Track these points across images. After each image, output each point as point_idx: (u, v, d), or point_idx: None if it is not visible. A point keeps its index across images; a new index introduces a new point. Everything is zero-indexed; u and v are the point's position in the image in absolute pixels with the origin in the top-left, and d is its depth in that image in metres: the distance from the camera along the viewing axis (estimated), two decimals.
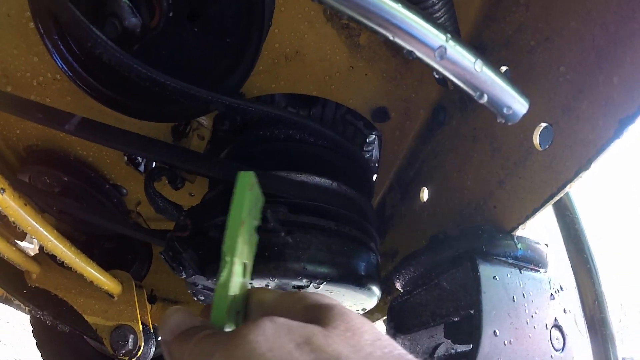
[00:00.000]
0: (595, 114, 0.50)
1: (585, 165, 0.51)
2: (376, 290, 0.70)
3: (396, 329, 0.74)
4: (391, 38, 0.41)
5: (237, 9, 0.65)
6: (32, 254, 0.99)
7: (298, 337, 0.28)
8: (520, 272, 0.59)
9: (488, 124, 0.69)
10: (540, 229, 0.66)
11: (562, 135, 0.54)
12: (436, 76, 0.67)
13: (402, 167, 0.96)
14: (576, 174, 0.52)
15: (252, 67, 0.69)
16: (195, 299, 0.79)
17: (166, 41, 0.68)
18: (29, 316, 1.24)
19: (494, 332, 0.53)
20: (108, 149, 0.89)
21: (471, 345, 0.54)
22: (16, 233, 0.97)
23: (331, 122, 0.84)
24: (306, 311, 0.33)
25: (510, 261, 0.61)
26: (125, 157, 0.94)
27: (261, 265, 0.60)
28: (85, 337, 1.07)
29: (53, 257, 0.88)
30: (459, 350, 0.65)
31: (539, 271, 0.62)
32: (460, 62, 0.44)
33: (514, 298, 0.56)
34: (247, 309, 0.38)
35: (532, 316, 0.56)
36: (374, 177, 0.96)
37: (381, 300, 0.76)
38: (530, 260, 0.62)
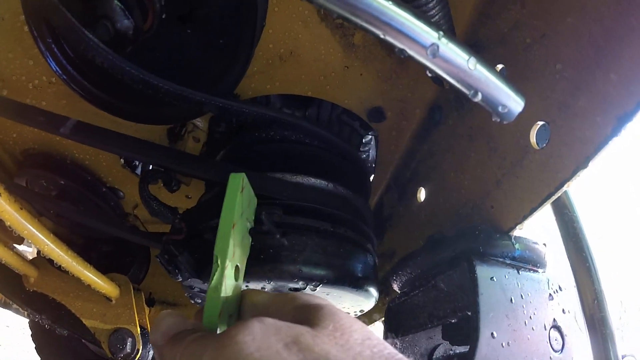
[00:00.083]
0: (592, 111, 0.50)
1: (583, 163, 0.50)
2: (373, 291, 0.69)
3: (394, 331, 0.73)
4: (382, 36, 0.40)
5: (229, 10, 0.65)
6: (31, 258, 0.99)
7: (286, 337, 0.28)
8: (518, 272, 0.59)
9: (484, 123, 0.68)
10: (538, 229, 0.65)
11: (560, 133, 0.54)
12: (429, 75, 0.67)
13: (399, 167, 0.96)
14: (574, 173, 0.52)
15: (246, 68, 0.68)
16: (193, 302, 0.79)
17: (159, 43, 0.68)
18: (27, 320, 1.24)
19: (492, 334, 0.52)
20: (104, 152, 0.89)
21: (469, 347, 0.54)
22: (14, 237, 0.97)
23: (327, 123, 0.83)
24: (296, 311, 0.33)
25: (508, 262, 0.60)
26: (122, 160, 0.94)
27: (257, 267, 0.60)
28: (83, 340, 1.07)
29: (51, 261, 0.87)
30: (458, 352, 0.64)
31: (537, 271, 0.61)
32: (453, 60, 0.44)
33: (511, 299, 0.56)
34: (240, 311, 0.38)
35: (530, 317, 0.55)
36: (371, 178, 0.96)
37: (379, 301, 0.75)
38: (528, 261, 0.61)
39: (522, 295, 0.56)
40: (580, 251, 0.65)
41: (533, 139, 0.57)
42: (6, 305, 1.16)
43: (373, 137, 0.92)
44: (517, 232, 0.62)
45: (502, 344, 0.53)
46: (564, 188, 0.53)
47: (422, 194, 0.86)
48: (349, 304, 0.71)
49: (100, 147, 0.71)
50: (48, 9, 0.56)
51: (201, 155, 0.91)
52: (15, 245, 1.08)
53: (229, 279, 0.36)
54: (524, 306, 0.56)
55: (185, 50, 0.69)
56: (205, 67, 0.70)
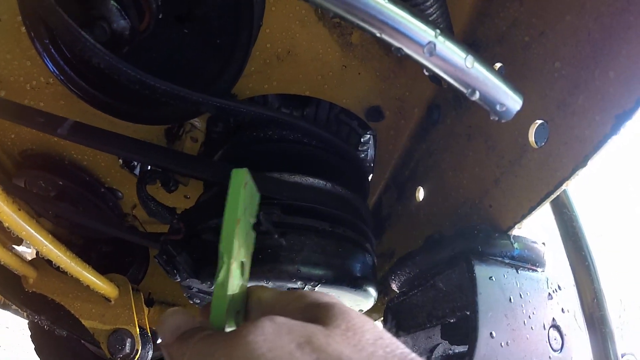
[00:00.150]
0: (591, 110, 0.49)
1: (582, 162, 0.50)
2: (372, 291, 0.69)
3: (393, 330, 0.73)
4: (379, 35, 0.40)
5: (226, 9, 0.65)
6: (30, 259, 0.99)
7: (299, 337, 0.27)
8: (517, 272, 0.58)
9: (483, 122, 0.68)
10: (537, 228, 0.65)
11: (558, 131, 0.53)
12: (427, 74, 0.66)
13: (398, 167, 0.96)
14: (573, 171, 0.51)
15: (243, 68, 0.68)
16: (191, 302, 0.78)
17: (156, 43, 0.68)
18: (27, 321, 1.24)
19: (491, 333, 0.52)
20: (102, 152, 0.89)
21: (468, 346, 0.53)
22: (13, 238, 0.97)
23: (325, 122, 0.83)
24: (306, 310, 0.32)
25: (507, 261, 0.60)
26: (120, 161, 0.94)
27: (255, 267, 0.59)
28: (83, 341, 1.07)
29: (50, 262, 0.87)
30: (457, 351, 0.64)
31: (536, 271, 0.61)
32: (450, 58, 0.43)
33: (510, 298, 0.55)
34: (247, 308, 0.37)
35: (529, 317, 0.55)
36: (370, 177, 0.95)
37: (378, 301, 0.75)
38: (527, 260, 0.61)
39: (521, 295, 0.56)
40: (580, 250, 0.65)
41: (532, 137, 0.57)
42: (5, 306, 1.16)
43: (371, 136, 0.92)
44: (516, 231, 0.62)
45: (501, 344, 0.52)
46: (563, 187, 0.53)
47: (420, 194, 0.85)
48: (347, 303, 0.71)
49: (98, 147, 0.70)
50: (45, 10, 0.56)
51: (199, 156, 0.91)
52: (14, 246, 1.08)
53: (235, 275, 0.36)
54: (523, 305, 0.56)
55: (182, 50, 0.69)
56: (202, 67, 0.70)
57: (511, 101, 0.50)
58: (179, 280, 0.69)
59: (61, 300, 0.96)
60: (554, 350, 0.55)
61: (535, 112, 0.57)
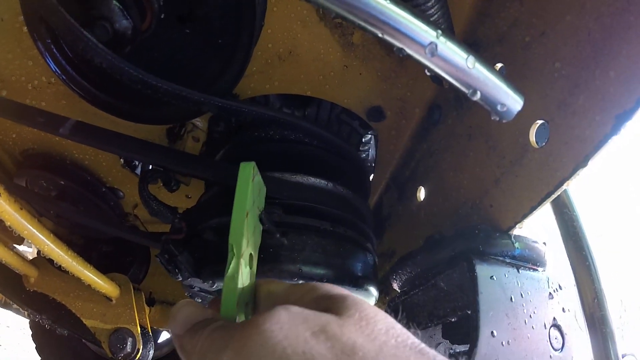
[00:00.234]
0: (591, 110, 0.49)
1: (582, 162, 0.50)
2: (373, 290, 0.69)
3: None
4: (380, 35, 0.40)
5: (228, 9, 0.65)
6: (31, 258, 1.00)
7: (313, 325, 0.28)
8: (518, 271, 0.59)
9: (484, 122, 0.68)
10: (538, 228, 0.65)
11: (559, 132, 0.54)
12: (428, 74, 0.67)
13: (399, 167, 0.96)
14: (573, 171, 0.51)
15: (245, 68, 0.68)
16: None
17: (158, 43, 0.68)
18: (28, 320, 1.25)
19: (492, 332, 0.52)
20: (104, 152, 0.89)
21: (469, 346, 0.54)
22: (14, 237, 0.97)
23: (326, 122, 0.83)
24: (319, 301, 0.33)
25: (508, 260, 0.60)
26: (121, 160, 0.94)
27: (257, 267, 0.60)
28: (84, 340, 1.07)
29: (51, 261, 0.88)
30: (458, 351, 0.64)
31: (537, 270, 0.61)
32: (451, 58, 0.44)
33: (511, 298, 0.56)
34: (256, 300, 0.38)
35: (530, 316, 0.55)
36: (371, 177, 0.95)
37: (379, 300, 0.75)
38: (528, 259, 0.61)
39: (522, 294, 0.56)
40: (580, 250, 0.65)
41: (532, 137, 0.57)
42: (6, 306, 1.17)
43: (372, 136, 0.92)
44: (516, 231, 0.62)
45: (502, 343, 0.53)
46: (564, 187, 0.53)
47: (421, 193, 0.85)
48: None
49: (100, 147, 0.71)
50: (47, 9, 0.56)
51: (201, 155, 0.91)
52: (15, 245, 1.08)
53: (244, 267, 0.36)
54: (524, 305, 0.56)
55: (184, 50, 0.69)
56: (204, 67, 0.70)
57: (512, 101, 0.50)
58: (180, 279, 0.69)
59: (62, 300, 0.96)
60: (555, 350, 0.55)
61: (535, 112, 0.57)
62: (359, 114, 0.85)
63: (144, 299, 1.06)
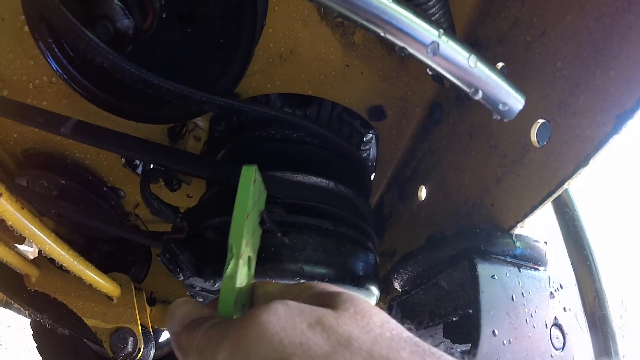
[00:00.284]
0: (592, 109, 0.50)
1: (583, 161, 0.50)
2: (375, 290, 0.69)
3: None
4: (382, 35, 0.40)
5: (229, 9, 0.65)
6: (32, 258, 1.00)
7: (310, 317, 0.28)
8: (519, 270, 0.59)
9: (485, 121, 0.68)
10: (539, 227, 0.65)
11: (560, 131, 0.54)
12: (430, 73, 0.67)
13: (400, 166, 0.96)
14: (574, 171, 0.52)
15: (246, 67, 0.69)
16: None
17: (159, 43, 0.68)
18: (29, 320, 1.25)
19: (493, 331, 0.53)
20: (105, 151, 0.89)
21: (470, 345, 0.54)
22: (15, 237, 0.97)
23: (327, 122, 0.83)
24: (315, 297, 0.33)
25: (509, 260, 0.60)
26: (123, 160, 0.94)
27: (258, 266, 0.60)
28: (85, 340, 1.07)
29: (52, 261, 0.87)
30: (459, 350, 0.64)
31: (538, 269, 0.61)
32: (453, 58, 0.44)
33: (512, 297, 0.56)
34: (253, 301, 0.38)
35: (531, 315, 0.55)
36: (372, 176, 0.96)
37: (380, 300, 0.75)
38: (529, 259, 0.61)
39: (523, 293, 0.56)
40: (581, 249, 0.66)
41: (534, 137, 0.57)
42: (7, 305, 1.17)
43: (374, 135, 0.92)
44: (517, 230, 0.62)
45: (503, 342, 0.53)
46: (565, 186, 0.53)
47: (422, 193, 0.86)
48: None
49: (101, 146, 0.71)
50: (48, 9, 0.56)
51: (202, 154, 0.91)
52: (16, 245, 1.08)
53: (242, 268, 0.37)
54: (525, 304, 0.56)
55: (186, 50, 0.69)
56: (205, 66, 0.70)
57: (513, 101, 0.50)
58: (182, 278, 0.69)
59: (63, 299, 0.96)
60: (556, 349, 0.55)
61: (537, 112, 0.57)
62: (360, 113, 0.85)
63: (145, 299, 1.06)
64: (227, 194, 0.70)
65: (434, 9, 0.56)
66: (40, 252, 0.96)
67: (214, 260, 0.66)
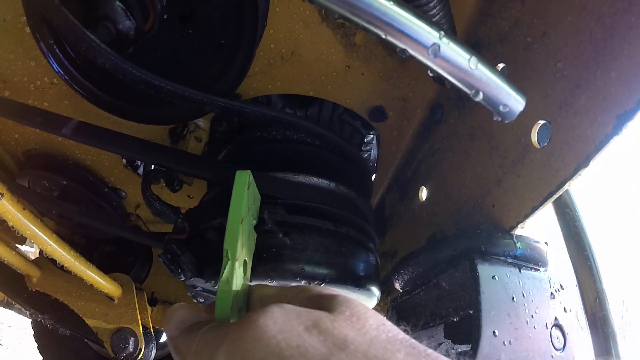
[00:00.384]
0: (593, 110, 0.50)
1: (584, 162, 0.50)
2: (375, 290, 0.69)
3: None
4: (383, 36, 0.40)
5: (230, 10, 0.65)
6: (33, 258, 1.00)
7: (306, 320, 0.29)
8: (520, 271, 0.59)
9: (486, 122, 0.68)
10: (540, 228, 0.65)
11: (560, 132, 0.54)
12: (431, 74, 0.67)
13: (400, 167, 0.96)
14: (575, 172, 0.52)
15: (247, 68, 0.69)
16: (195, 301, 0.79)
17: (161, 44, 0.68)
18: (30, 320, 1.25)
19: (494, 332, 0.53)
20: (106, 152, 0.89)
21: (471, 345, 0.54)
22: (16, 237, 0.97)
23: (328, 123, 0.83)
24: (310, 300, 0.33)
25: (510, 260, 0.60)
26: (124, 160, 0.94)
27: (259, 267, 0.60)
28: (86, 340, 1.08)
29: (53, 261, 0.88)
30: (460, 350, 0.64)
31: (538, 270, 0.61)
32: (454, 59, 0.44)
33: (513, 298, 0.56)
34: (249, 305, 0.38)
35: (532, 316, 0.55)
36: (373, 177, 0.96)
37: (381, 300, 0.75)
38: (530, 259, 0.61)
39: (523, 294, 0.56)
40: (582, 250, 0.66)
41: (534, 137, 0.57)
42: (9, 305, 1.17)
43: (374, 136, 0.92)
44: (518, 231, 0.62)
45: (503, 343, 0.53)
46: (565, 187, 0.54)
47: (423, 193, 0.86)
48: None
49: (102, 147, 0.71)
50: (49, 10, 0.56)
51: (203, 155, 0.91)
52: (17, 245, 1.08)
53: (238, 272, 0.37)
54: (526, 305, 0.56)
55: (186, 51, 0.70)
56: (206, 67, 0.71)
57: (514, 102, 0.50)
58: (183, 279, 0.69)
59: (64, 299, 0.96)
60: (557, 350, 0.55)
61: (537, 113, 0.57)
62: (361, 114, 0.85)
63: (146, 299, 1.06)
64: (228, 195, 0.69)
65: (435, 10, 0.56)
66: (41, 252, 0.96)
67: (215, 260, 0.66)
